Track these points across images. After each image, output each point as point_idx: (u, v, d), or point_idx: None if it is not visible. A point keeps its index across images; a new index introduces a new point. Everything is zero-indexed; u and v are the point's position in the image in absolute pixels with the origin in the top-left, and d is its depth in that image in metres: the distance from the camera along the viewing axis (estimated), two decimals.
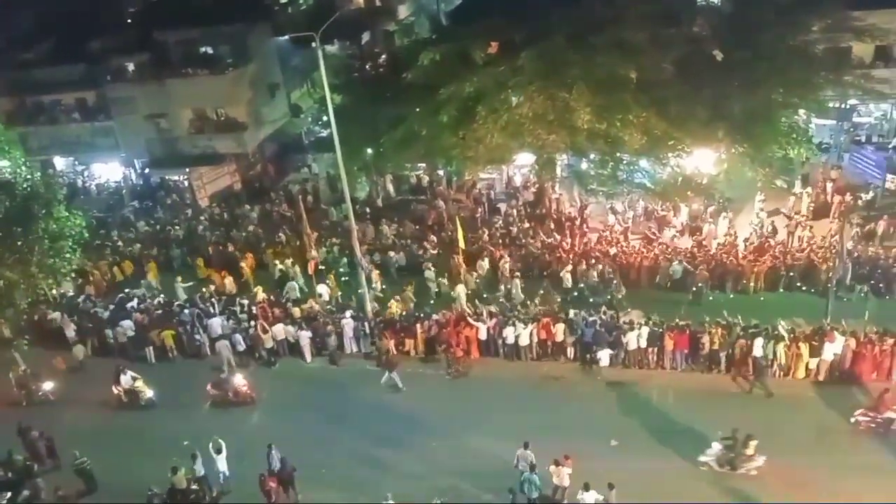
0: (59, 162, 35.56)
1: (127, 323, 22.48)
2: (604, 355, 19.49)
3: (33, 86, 33.08)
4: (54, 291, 23.54)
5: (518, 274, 23.05)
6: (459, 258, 22.49)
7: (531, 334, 20.25)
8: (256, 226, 28.82)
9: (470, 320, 20.66)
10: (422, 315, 21.32)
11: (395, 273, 24.73)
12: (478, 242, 24.96)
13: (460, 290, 22.38)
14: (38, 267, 18.87)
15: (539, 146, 23.73)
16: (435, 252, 24.74)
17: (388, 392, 19.56)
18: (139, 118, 32.43)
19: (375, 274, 23.81)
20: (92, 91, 32.96)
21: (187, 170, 33.04)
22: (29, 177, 18.43)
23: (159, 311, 23.16)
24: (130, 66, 32.26)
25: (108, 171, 35.53)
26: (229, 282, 24.72)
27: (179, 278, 24.61)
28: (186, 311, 22.68)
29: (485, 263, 23.69)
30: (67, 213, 19.01)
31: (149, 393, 19.93)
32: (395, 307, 21.84)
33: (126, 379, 20.05)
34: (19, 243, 18.38)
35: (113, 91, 32.43)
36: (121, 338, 22.47)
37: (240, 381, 19.68)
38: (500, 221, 26.81)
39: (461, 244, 21.98)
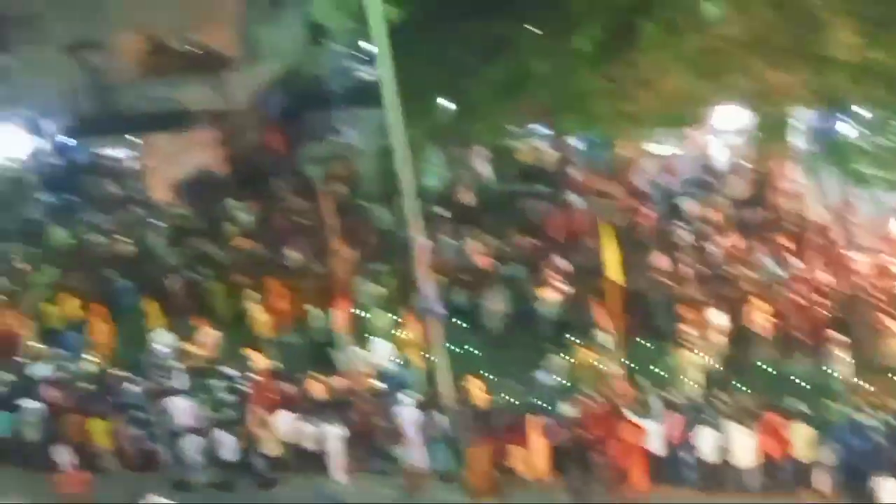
0: None
1: (32, 405, 23.06)
2: (892, 488, 18.81)
3: None
4: None
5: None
6: (614, 300, 21.81)
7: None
8: (249, 236, 29.26)
9: (629, 415, 20.38)
10: (540, 405, 21.36)
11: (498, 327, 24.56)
12: (644, 272, 24.42)
13: (694, 363, 21.95)
14: None
15: (758, 93, 23.41)
16: (565, 288, 24.51)
17: None
18: (54, 50, 33.36)
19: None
20: None
21: (135, 139, 33.78)
22: None
23: (89, 385, 23.70)
24: None
25: (4, 143, 36.27)
26: (210, 337, 25.06)
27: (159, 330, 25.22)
28: (134, 386, 23.19)
29: (721, 319, 23.11)
30: None
31: None
32: (476, 389, 21.99)
33: None
34: None
35: (6, 5, 33.28)
36: (26, 429, 22.99)
37: None
38: (686, 233, 26.27)
39: (613, 274, 21.46)
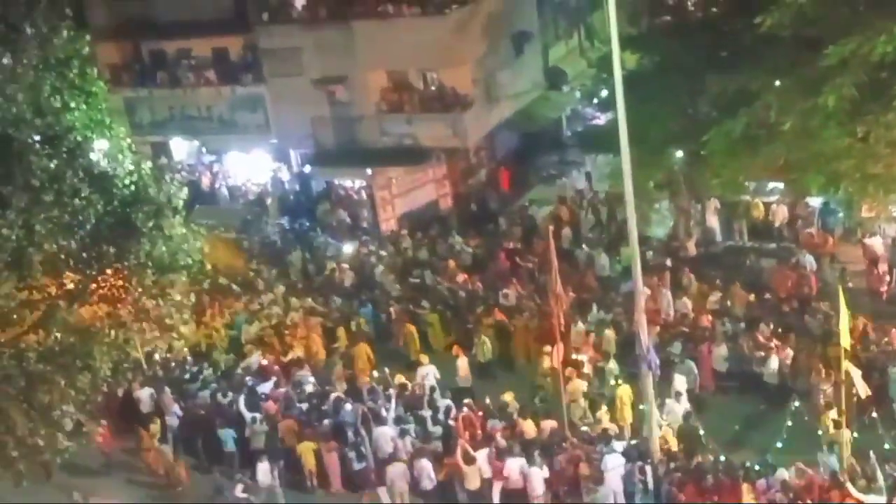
0: (179, 148, 39.60)
1: (256, 418, 23.99)
2: None
3: (152, 26, 36.97)
4: (156, 355, 25.64)
5: None
6: (841, 370, 20.71)
7: None
8: (469, 272, 29.58)
9: (851, 489, 19.28)
10: (753, 468, 20.47)
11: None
12: (880, 342, 23.23)
13: None
14: (135, 313, 20.22)
15: None
16: (786, 351, 23.58)
17: None
18: (305, 84, 35.00)
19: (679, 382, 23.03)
20: (237, 37, 36.21)
21: (369, 171, 35.05)
22: (133, 168, 19.99)
23: (303, 404, 24.43)
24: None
25: (250, 167, 38.84)
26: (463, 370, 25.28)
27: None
28: (349, 406, 23.63)
29: None
30: (185, 230, 20.29)
31: None
32: (687, 444, 21.51)
33: None
34: (109, 272, 19.88)
35: (269, 38, 35.34)
36: (254, 438, 23.87)
37: None
38: None
39: (843, 341, 20.29)
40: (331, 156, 35.60)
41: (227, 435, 24.11)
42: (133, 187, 19.44)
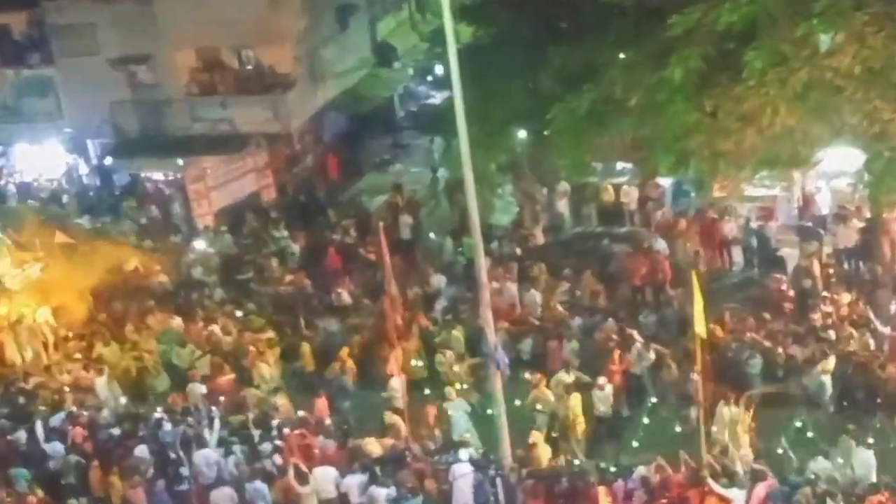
0: None
1: (57, 448, 23.05)
2: None
3: None
4: None
5: None
6: (697, 355, 21.21)
7: None
8: (297, 271, 29.35)
9: (712, 484, 19.70)
10: (610, 468, 20.83)
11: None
12: (735, 328, 23.98)
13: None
14: None
15: (873, 134, 22.97)
16: (642, 343, 24.00)
17: None
18: (101, 64, 34.45)
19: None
20: (21, 12, 35.47)
21: (180, 162, 34.54)
22: None
23: (115, 430, 23.59)
24: None
25: (42, 160, 37.66)
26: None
27: None
28: (168, 426, 23.11)
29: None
30: None
31: None
32: (541, 450, 21.51)
33: None
34: None
35: (58, 12, 34.63)
36: (64, 473, 22.81)
37: None
38: (784, 285, 25.82)
39: (699, 328, 20.73)
40: (135, 145, 35.22)
41: (20, 475, 22.65)
42: None
